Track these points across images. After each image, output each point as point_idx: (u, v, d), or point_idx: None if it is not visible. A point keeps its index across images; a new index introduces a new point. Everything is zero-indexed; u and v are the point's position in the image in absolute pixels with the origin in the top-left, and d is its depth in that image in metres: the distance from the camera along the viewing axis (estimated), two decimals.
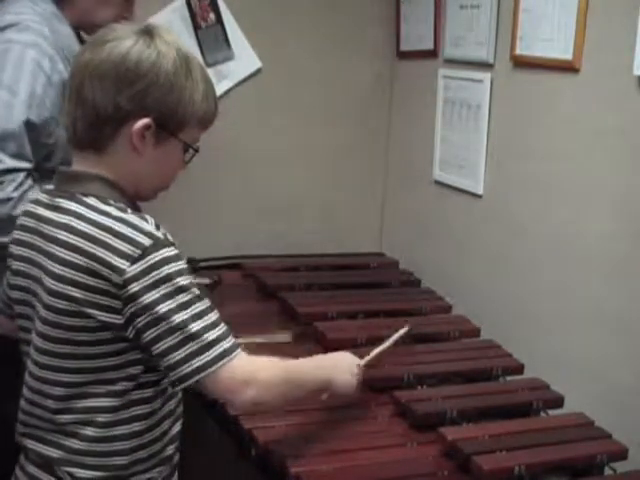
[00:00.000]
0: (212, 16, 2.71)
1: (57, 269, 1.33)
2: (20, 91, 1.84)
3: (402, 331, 1.99)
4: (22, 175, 1.81)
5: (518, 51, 2.27)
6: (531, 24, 2.20)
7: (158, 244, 1.30)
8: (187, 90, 1.36)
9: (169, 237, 1.33)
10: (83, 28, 2.04)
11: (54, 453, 1.39)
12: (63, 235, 1.33)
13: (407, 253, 2.84)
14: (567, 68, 2.09)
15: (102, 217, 1.32)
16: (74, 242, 1.32)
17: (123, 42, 1.33)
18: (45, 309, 1.35)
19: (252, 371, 1.35)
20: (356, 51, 2.92)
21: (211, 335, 1.30)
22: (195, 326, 1.29)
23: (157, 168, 1.41)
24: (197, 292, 1.32)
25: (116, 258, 1.28)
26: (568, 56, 2.08)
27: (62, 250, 1.33)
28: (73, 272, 1.31)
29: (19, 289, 1.43)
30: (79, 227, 1.32)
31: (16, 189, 1.79)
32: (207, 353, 1.30)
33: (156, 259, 1.29)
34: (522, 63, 2.28)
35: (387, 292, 2.56)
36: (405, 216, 2.97)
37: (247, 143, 2.79)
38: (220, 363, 1.31)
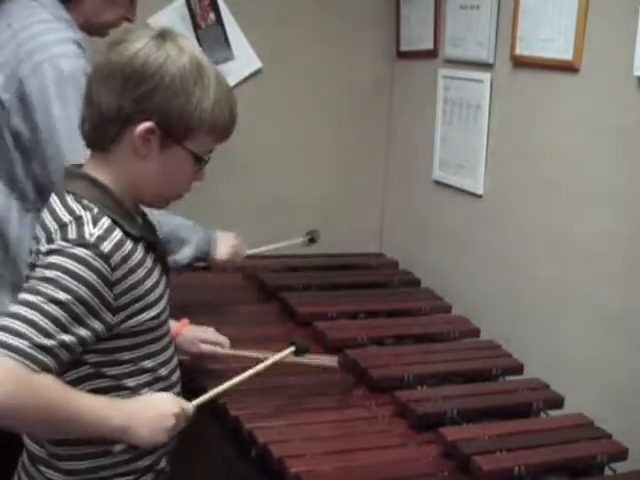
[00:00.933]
0: (212, 16, 2.71)
1: (29, 258, 1.37)
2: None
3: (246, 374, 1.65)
4: None
5: (518, 51, 2.27)
6: (531, 24, 2.20)
7: (80, 242, 1.28)
8: (194, 97, 1.33)
9: (103, 248, 1.28)
10: (87, 30, 2.02)
11: (37, 451, 1.41)
12: (38, 229, 1.36)
13: (407, 253, 2.84)
14: (567, 68, 2.09)
15: (65, 213, 1.33)
16: (39, 235, 1.35)
17: (134, 44, 1.32)
18: None
19: (26, 380, 1.20)
20: (356, 51, 2.92)
21: (30, 332, 1.21)
22: (28, 313, 1.22)
23: (162, 174, 1.38)
24: (65, 298, 1.24)
25: (43, 241, 1.31)
26: (568, 56, 2.08)
27: (33, 243, 1.37)
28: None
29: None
30: (47, 223, 1.34)
31: None
32: (13, 338, 1.20)
33: (65, 249, 1.27)
34: (522, 63, 2.28)
35: (387, 292, 2.56)
36: (405, 216, 2.97)
37: (247, 143, 2.78)
38: (11, 354, 1.19)
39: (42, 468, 1.40)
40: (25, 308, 1.23)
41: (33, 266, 1.31)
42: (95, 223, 1.31)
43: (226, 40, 2.73)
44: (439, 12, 2.65)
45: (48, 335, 1.23)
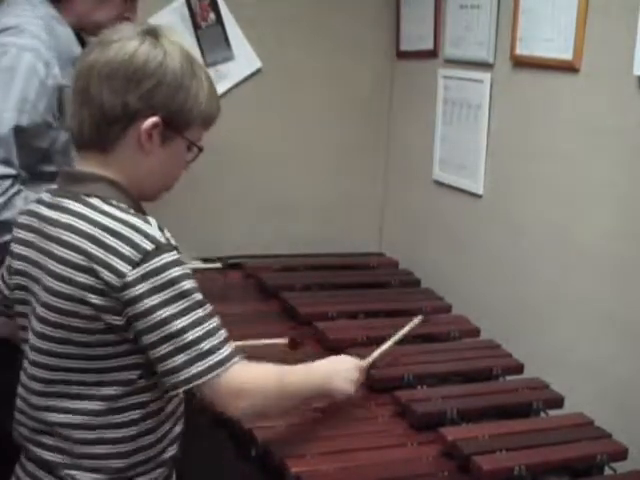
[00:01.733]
0: (212, 16, 2.71)
1: (57, 268, 1.33)
2: (12, 95, 1.82)
3: (416, 320, 1.98)
4: (8, 182, 1.79)
5: (518, 51, 2.27)
6: (531, 24, 2.20)
7: (160, 248, 1.30)
8: (193, 89, 1.37)
9: (172, 241, 1.34)
10: (83, 29, 2.03)
11: (53, 457, 1.39)
12: (65, 235, 1.33)
13: (407, 253, 2.84)
14: (567, 68, 2.10)
15: (103, 217, 1.32)
16: (75, 242, 1.32)
17: (129, 42, 1.34)
18: (45, 308, 1.35)
19: (244, 382, 1.35)
20: (356, 51, 2.92)
21: (208, 344, 1.30)
22: (193, 334, 1.30)
23: (163, 168, 1.41)
24: (199, 298, 1.32)
25: (117, 260, 1.28)
26: (568, 56, 2.08)
27: (63, 249, 1.33)
28: (72, 271, 1.31)
29: (19, 288, 1.43)
30: (81, 227, 1.32)
31: (1, 195, 1.77)
32: (201, 362, 1.30)
33: (158, 264, 1.29)
34: (522, 63, 2.28)
35: (387, 292, 2.56)
36: (405, 216, 2.97)
37: (247, 143, 2.80)
38: (214, 373, 1.31)
39: (70, 472, 1.38)
40: (191, 330, 1.30)
41: (118, 289, 1.28)
42: (149, 223, 1.33)
43: (226, 40, 2.73)
44: (439, 12, 2.65)
45: (218, 330, 1.33)
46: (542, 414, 1.86)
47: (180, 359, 1.29)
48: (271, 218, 2.89)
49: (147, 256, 1.29)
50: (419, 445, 1.68)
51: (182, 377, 1.30)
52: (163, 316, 1.29)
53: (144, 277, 1.28)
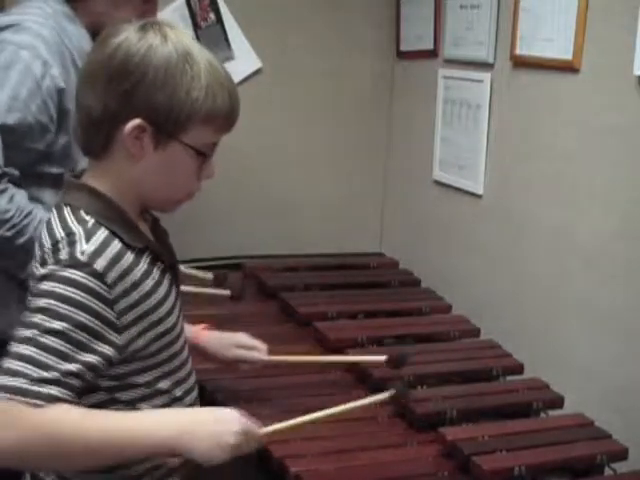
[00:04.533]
0: (212, 16, 2.71)
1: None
2: (3, 93, 1.78)
3: (369, 399, 1.69)
4: None
5: (518, 51, 2.27)
6: (531, 24, 2.20)
7: (71, 263, 1.21)
8: (182, 87, 1.24)
9: (97, 265, 1.21)
10: (102, 30, 1.98)
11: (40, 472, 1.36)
12: (37, 246, 1.31)
13: (407, 253, 2.84)
14: (567, 68, 2.10)
15: (60, 229, 1.26)
16: (37, 253, 1.30)
17: (114, 39, 1.26)
18: None
19: (23, 418, 1.15)
20: (356, 51, 2.92)
21: (27, 369, 1.16)
22: (24, 350, 1.17)
23: (162, 176, 1.31)
24: (51, 325, 1.18)
25: (37, 264, 1.26)
26: (568, 56, 2.08)
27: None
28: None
29: None
30: (42, 238, 1.28)
31: None
32: (9, 378, 1.15)
33: (56, 273, 1.21)
34: (522, 63, 2.28)
35: (387, 292, 2.56)
36: (405, 216, 2.97)
37: (247, 143, 2.79)
38: (9, 395, 1.14)
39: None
40: (22, 345, 1.17)
41: (31, 292, 1.25)
42: (88, 238, 1.23)
43: (226, 40, 2.73)
44: (439, 12, 2.65)
45: (48, 368, 1.17)
46: (542, 414, 1.86)
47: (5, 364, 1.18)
48: (271, 218, 2.89)
49: (56, 263, 1.22)
50: (419, 445, 1.68)
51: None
52: (23, 319, 1.20)
53: (42, 277, 1.22)
